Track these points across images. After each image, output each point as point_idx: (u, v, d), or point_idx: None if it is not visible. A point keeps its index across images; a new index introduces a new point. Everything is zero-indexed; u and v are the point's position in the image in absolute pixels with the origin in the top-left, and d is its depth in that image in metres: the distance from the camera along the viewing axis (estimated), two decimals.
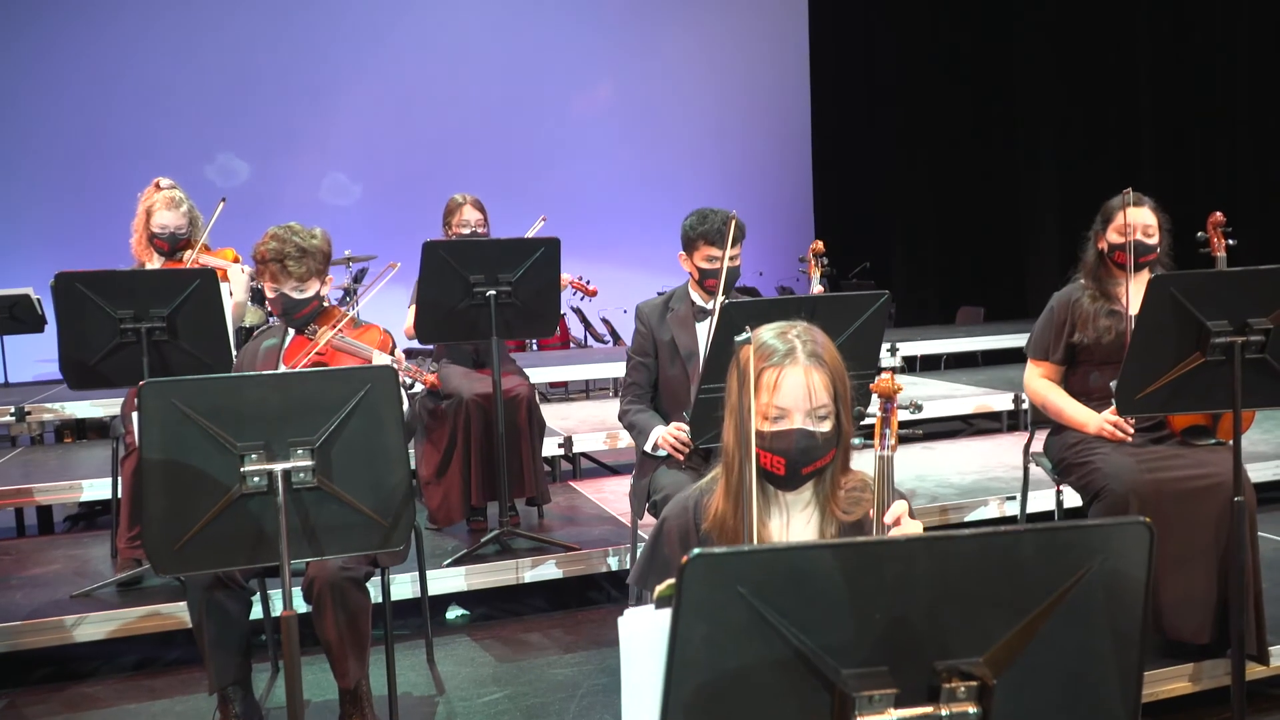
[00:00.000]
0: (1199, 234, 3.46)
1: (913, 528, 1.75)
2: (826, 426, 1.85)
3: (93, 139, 9.59)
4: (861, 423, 1.89)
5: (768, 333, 1.89)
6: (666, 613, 1.07)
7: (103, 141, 9.58)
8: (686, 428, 3.21)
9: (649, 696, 1.08)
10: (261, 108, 10.05)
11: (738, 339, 1.65)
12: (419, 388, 3.12)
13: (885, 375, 1.82)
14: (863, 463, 1.95)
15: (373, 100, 10.37)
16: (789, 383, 1.83)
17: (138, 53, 9.67)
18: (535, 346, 8.44)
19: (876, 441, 1.80)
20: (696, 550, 1.06)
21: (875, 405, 1.86)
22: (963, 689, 1.14)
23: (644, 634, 1.17)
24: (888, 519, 1.75)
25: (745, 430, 1.68)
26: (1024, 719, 1.16)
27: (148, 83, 9.69)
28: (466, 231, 4.49)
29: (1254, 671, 3.03)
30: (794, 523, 1.95)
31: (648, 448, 3.39)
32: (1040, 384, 3.51)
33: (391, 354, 3.02)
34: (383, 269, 3.36)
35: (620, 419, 3.57)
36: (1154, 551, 1.14)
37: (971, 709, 1.14)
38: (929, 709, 1.14)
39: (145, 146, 9.55)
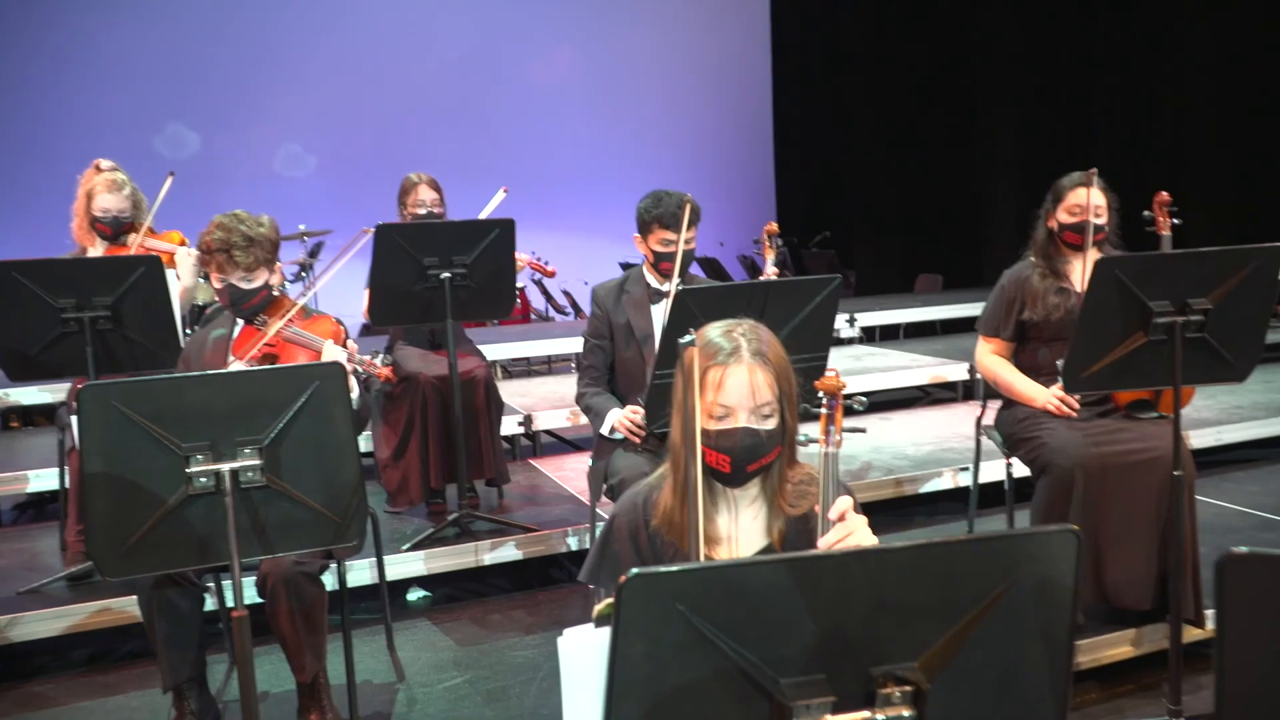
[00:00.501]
0: (1145, 213, 3.51)
1: (857, 521, 1.78)
2: (771, 424, 1.87)
3: (35, 107, 9.34)
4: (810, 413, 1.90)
5: (713, 331, 1.90)
6: (606, 631, 1.07)
7: (45, 110, 9.34)
8: (642, 410, 3.23)
9: (591, 715, 1.09)
10: (212, 76, 9.82)
11: (681, 341, 1.65)
12: (374, 381, 3.09)
13: (830, 373, 1.83)
14: (809, 458, 1.97)
15: (327, 68, 10.19)
16: (733, 381, 1.84)
17: (82, 19, 9.39)
18: (495, 321, 8.41)
19: (821, 437, 1.82)
20: (634, 570, 1.07)
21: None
22: (898, 693, 1.16)
23: (584, 653, 1.18)
24: (832, 515, 1.77)
25: (691, 429, 1.69)
26: None
27: (93, 50, 9.43)
28: (422, 212, 4.45)
29: (1191, 635, 3.12)
30: (741, 518, 1.97)
31: (604, 431, 3.40)
32: (991, 360, 3.56)
33: (344, 345, 2.98)
34: (355, 236, 3.30)
35: (577, 401, 3.58)
36: (1080, 558, 1.16)
37: (906, 712, 1.16)
38: (865, 714, 1.16)
39: (90, 116, 9.33)
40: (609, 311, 3.53)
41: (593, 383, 3.55)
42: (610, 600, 1.07)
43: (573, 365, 7.64)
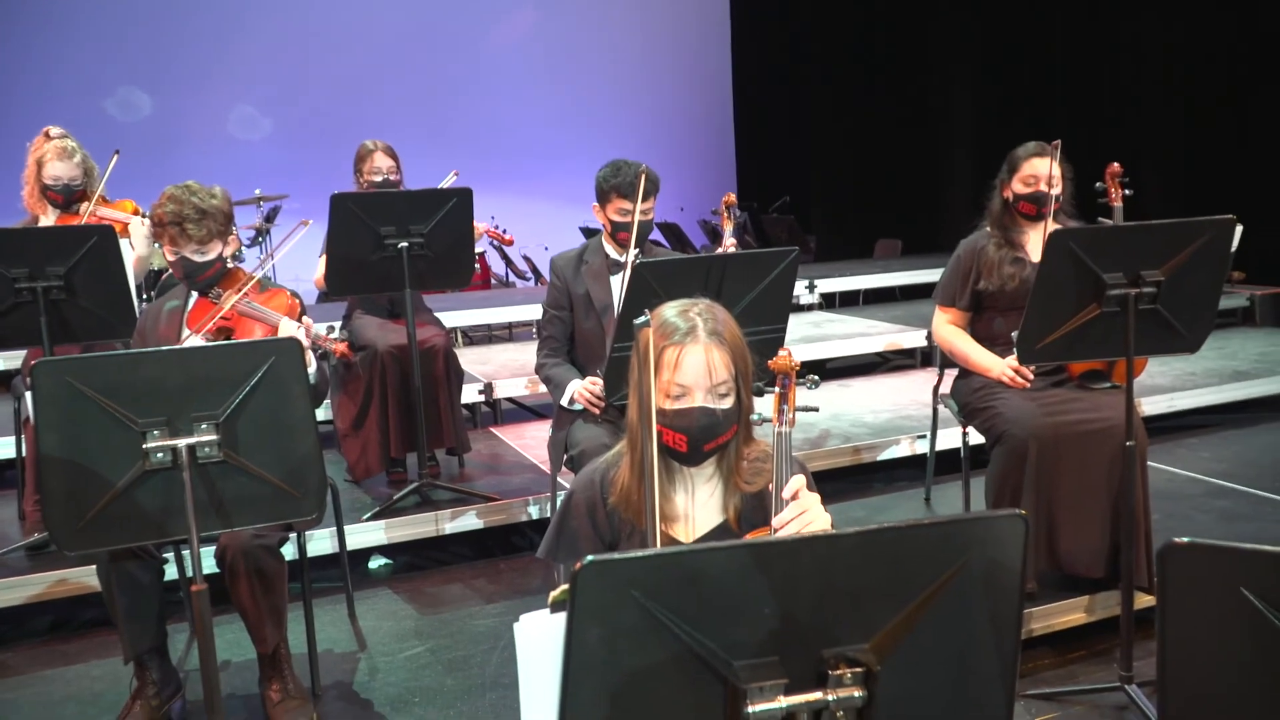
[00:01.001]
0: (1097, 184, 3.54)
1: (810, 499, 1.80)
2: (727, 403, 1.89)
3: None
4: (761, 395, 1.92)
5: (670, 310, 1.91)
6: (562, 617, 1.09)
7: None
8: (601, 382, 3.24)
9: (547, 699, 1.11)
10: (164, 38, 9.60)
11: (637, 322, 1.66)
12: (330, 358, 3.07)
13: (783, 353, 1.85)
14: (763, 435, 1.99)
15: (282, 30, 9.99)
16: (690, 361, 1.85)
17: None
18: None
19: (775, 417, 1.84)
20: (589, 557, 1.08)
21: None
22: (849, 675, 1.19)
23: (540, 638, 1.19)
24: (786, 493, 1.80)
25: (646, 409, 1.70)
26: (908, 701, 1.21)
27: (42, 12, 9.20)
28: (378, 179, 4.40)
29: (1142, 601, 3.19)
30: (698, 495, 1.99)
31: (564, 402, 3.40)
32: (947, 330, 3.60)
33: (299, 320, 2.96)
34: (294, 227, 3.27)
35: (537, 372, 3.58)
36: (1029, 541, 1.19)
37: (857, 693, 1.19)
38: (817, 695, 1.19)
39: (40, 80, 9.11)
40: (568, 282, 3.53)
41: (552, 353, 3.55)
42: (565, 586, 1.09)
43: (533, 332, 7.62)
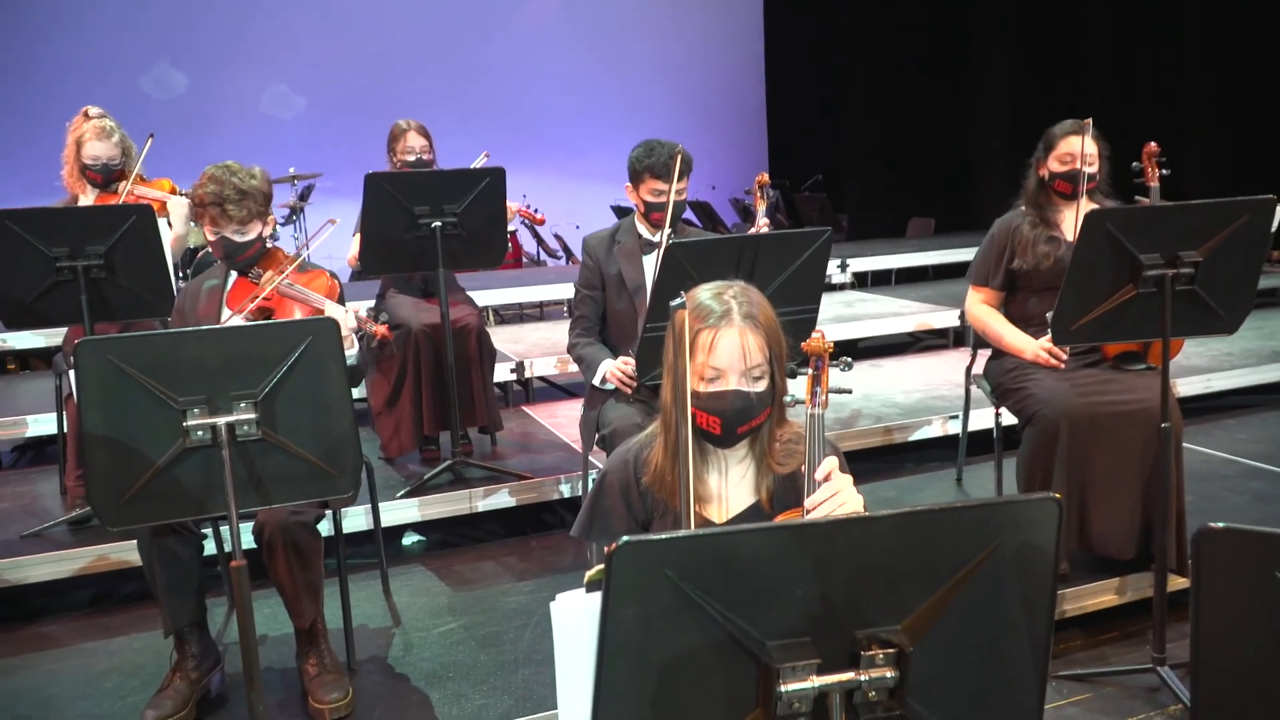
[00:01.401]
0: (1134, 164, 3.50)
1: (843, 481, 1.81)
2: (761, 386, 1.89)
3: (24, 48, 9.20)
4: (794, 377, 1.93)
5: (705, 293, 1.91)
6: (597, 596, 1.10)
7: (34, 52, 9.21)
8: (633, 362, 3.25)
9: (583, 677, 1.13)
10: (200, 15, 9.68)
11: (673, 304, 1.67)
12: (370, 340, 3.09)
13: (816, 334, 1.85)
14: (796, 417, 1.99)
15: (316, 7, 10.03)
16: (724, 344, 1.86)
17: None
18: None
19: (808, 399, 1.84)
20: (625, 538, 1.10)
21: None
22: (881, 655, 1.20)
23: (576, 617, 1.21)
24: (818, 475, 1.80)
25: (681, 391, 1.71)
26: (939, 682, 1.22)
27: None
28: (411, 159, 4.42)
29: (1175, 583, 3.17)
30: (731, 476, 2.00)
31: (596, 381, 3.42)
32: (980, 310, 3.58)
33: (340, 302, 2.98)
34: (322, 225, 3.29)
35: (569, 352, 3.60)
36: (1062, 523, 1.19)
37: (889, 673, 1.20)
38: (850, 675, 1.20)
39: (78, 57, 9.20)
40: (600, 262, 3.53)
41: (584, 333, 3.56)
42: (601, 566, 1.10)
43: (565, 311, 7.65)
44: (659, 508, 1.97)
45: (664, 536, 1.10)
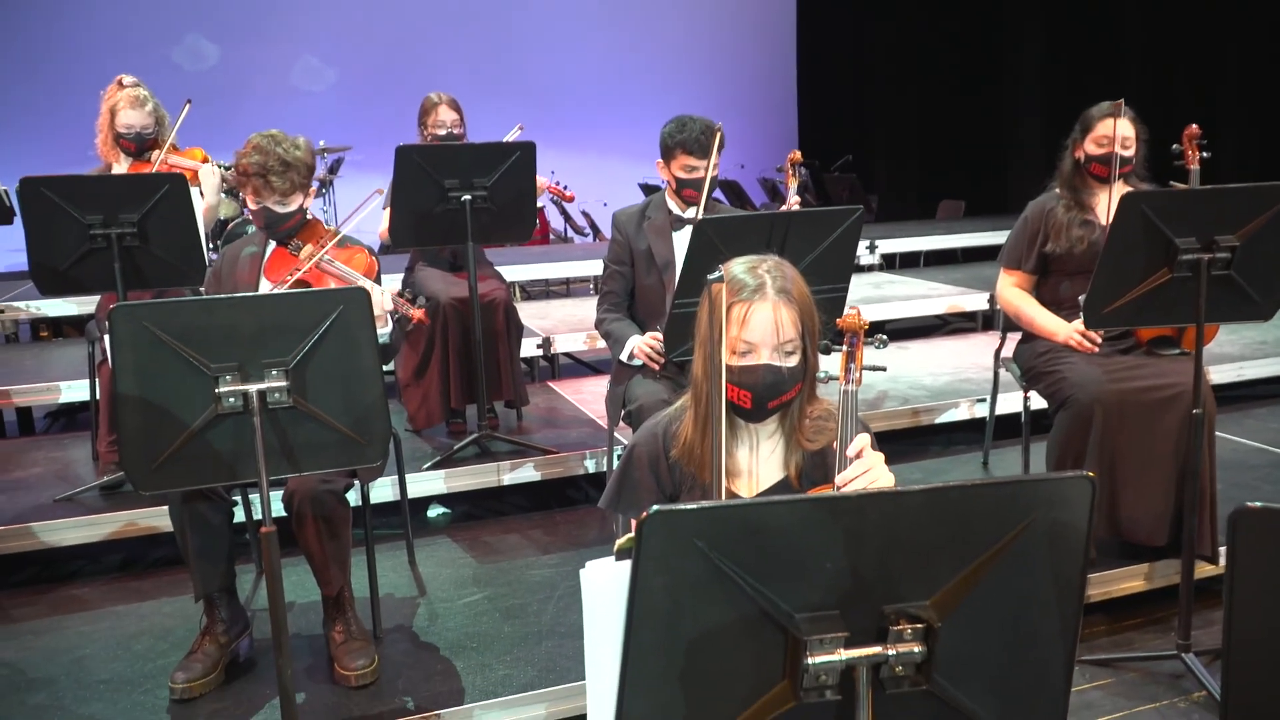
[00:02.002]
0: (1174, 146, 3.46)
1: (875, 458, 1.80)
2: (793, 361, 1.89)
3: (57, 19, 9.27)
4: (828, 354, 1.92)
5: (738, 267, 1.91)
6: (627, 565, 1.11)
7: (66, 22, 9.27)
8: (661, 338, 3.24)
9: (611, 644, 1.14)
10: None
11: (709, 277, 1.66)
12: (406, 321, 3.08)
13: (851, 311, 1.84)
14: (828, 393, 1.99)
15: None
16: (758, 318, 1.86)
17: None
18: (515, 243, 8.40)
19: (841, 375, 1.84)
20: (655, 507, 1.10)
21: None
22: (909, 630, 1.20)
23: (605, 585, 1.22)
24: (850, 452, 1.80)
25: (715, 365, 1.71)
26: (967, 658, 1.22)
27: None
28: (442, 133, 4.43)
29: (1204, 570, 3.16)
30: (760, 451, 2.00)
31: (624, 357, 3.42)
32: (1012, 293, 3.55)
33: (377, 281, 2.99)
34: (370, 195, 3.28)
35: (597, 327, 3.60)
36: (1095, 503, 1.18)
37: (917, 648, 1.20)
38: (877, 649, 1.20)
39: (111, 28, 9.26)
40: (630, 238, 3.53)
41: (612, 308, 3.56)
42: (631, 535, 1.11)
43: (591, 288, 7.66)
44: (687, 481, 1.97)
45: (694, 506, 1.11)
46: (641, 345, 3.35)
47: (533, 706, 2.72)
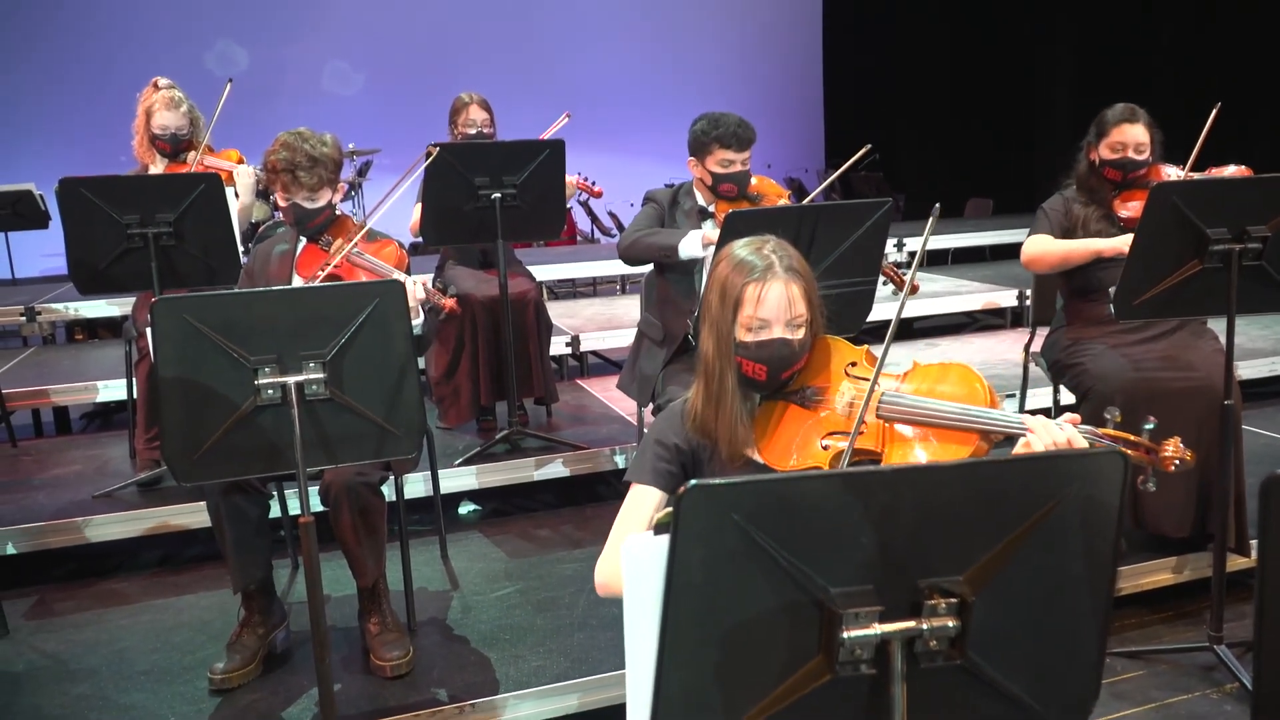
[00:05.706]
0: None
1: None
2: (802, 334, 1.98)
3: (89, 25, 9.41)
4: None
5: (742, 249, 1.99)
6: (665, 538, 1.13)
7: (98, 27, 9.41)
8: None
9: (650, 616, 1.16)
10: None
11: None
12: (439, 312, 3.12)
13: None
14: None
15: None
16: (771, 295, 1.94)
17: None
18: (542, 242, 8.44)
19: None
20: (693, 481, 1.12)
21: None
22: (943, 605, 1.21)
23: (644, 558, 1.24)
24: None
25: (725, 342, 1.83)
26: (1000, 633, 1.23)
27: None
28: (472, 132, 4.47)
29: (1235, 563, 3.14)
30: None
31: (686, 251, 3.31)
32: (1037, 240, 3.44)
33: (408, 273, 3.03)
34: (417, 158, 3.30)
35: (631, 249, 3.46)
36: (1127, 478, 1.20)
37: (951, 623, 1.21)
38: (911, 623, 1.22)
39: (142, 33, 9.39)
40: (665, 208, 3.52)
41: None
42: (669, 510, 1.13)
43: (618, 288, 7.69)
44: (704, 451, 2.04)
45: (732, 481, 1.13)
46: (709, 233, 3.29)
47: (565, 697, 2.75)
